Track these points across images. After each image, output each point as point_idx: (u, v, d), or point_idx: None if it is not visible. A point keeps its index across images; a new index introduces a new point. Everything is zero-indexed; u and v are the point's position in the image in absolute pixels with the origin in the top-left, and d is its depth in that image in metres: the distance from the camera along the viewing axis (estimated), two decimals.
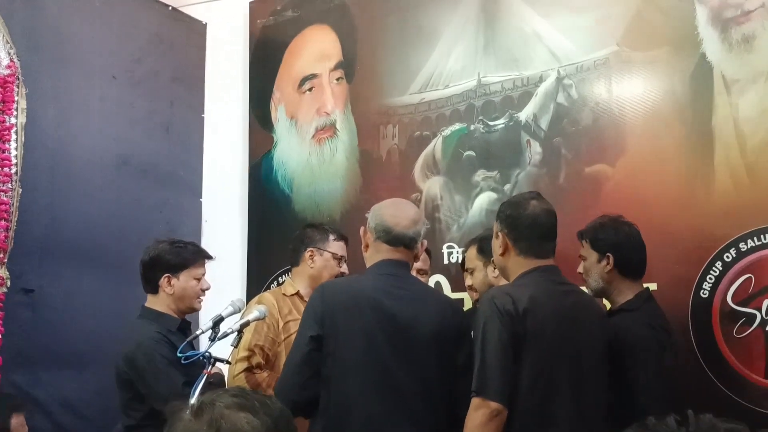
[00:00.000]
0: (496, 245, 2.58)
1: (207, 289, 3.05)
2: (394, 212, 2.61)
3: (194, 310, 3.09)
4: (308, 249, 3.30)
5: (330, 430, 2.43)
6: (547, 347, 2.35)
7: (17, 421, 3.16)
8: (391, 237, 2.56)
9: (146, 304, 3.01)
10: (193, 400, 1.31)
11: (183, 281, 2.97)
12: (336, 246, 3.32)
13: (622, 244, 2.77)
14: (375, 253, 2.60)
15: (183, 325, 3.00)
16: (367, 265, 2.63)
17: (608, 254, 2.76)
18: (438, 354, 2.49)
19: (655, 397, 2.52)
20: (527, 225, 2.50)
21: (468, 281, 3.16)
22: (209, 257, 3.11)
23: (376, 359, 2.44)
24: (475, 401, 2.30)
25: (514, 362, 2.32)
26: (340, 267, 3.30)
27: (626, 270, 2.78)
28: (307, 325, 2.50)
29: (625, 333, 2.61)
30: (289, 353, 2.57)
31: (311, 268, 3.29)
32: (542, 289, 2.43)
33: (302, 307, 3.14)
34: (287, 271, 4.19)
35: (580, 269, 2.86)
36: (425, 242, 2.72)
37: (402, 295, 2.52)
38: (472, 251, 3.12)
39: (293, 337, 3.03)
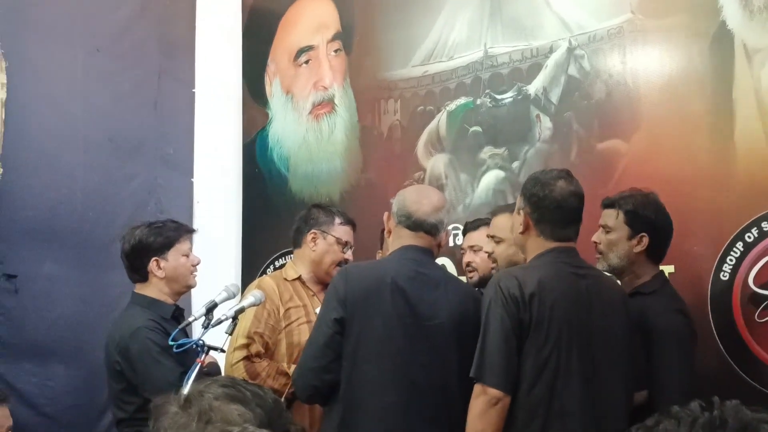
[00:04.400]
0: (517, 222, 2.57)
1: (198, 264, 3.06)
2: (416, 198, 2.72)
3: (191, 287, 3.10)
4: (311, 230, 3.25)
5: (345, 419, 2.51)
6: (555, 335, 2.34)
7: (1, 413, 3.17)
8: (411, 222, 2.66)
9: (137, 290, 3.01)
10: (183, 391, 1.30)
11: (172, 260, 2.98)
12: (341, 230, 3.26)
13: (660, 228, 2.74)
14: (397, 239, 2.70)
15: (177, 312, 3.00)
16: (390, 251, 2.72)
17: (644, 234, 2.71)
18: (458, 347, 2.55)
19: (684, 392, 2.44)
20: (552, 208, 2.48)
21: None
22: (192, 230, 3.14)
23: (393, 349, 2.52)
24: (476, 388, 2.34)
25: (518, 350, 2.33)
26: (344, 253, 3.23)
27: (654, 254, 2.77)
28: (330, 306, 2.58)
29: (657, 318, 2.62)
30: (310, 336, 2.66)
31: (312, 251, 3.23)
32: (553, 273, 2.43)
33: (304, 294, 3.18)
34: (283, 255, 4.20)
35: (596, 238, 2.78)
36: (450, 231, 2.75)
37: (423, 280, 2.60)
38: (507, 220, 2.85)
39: (294, 324, 3.08)
